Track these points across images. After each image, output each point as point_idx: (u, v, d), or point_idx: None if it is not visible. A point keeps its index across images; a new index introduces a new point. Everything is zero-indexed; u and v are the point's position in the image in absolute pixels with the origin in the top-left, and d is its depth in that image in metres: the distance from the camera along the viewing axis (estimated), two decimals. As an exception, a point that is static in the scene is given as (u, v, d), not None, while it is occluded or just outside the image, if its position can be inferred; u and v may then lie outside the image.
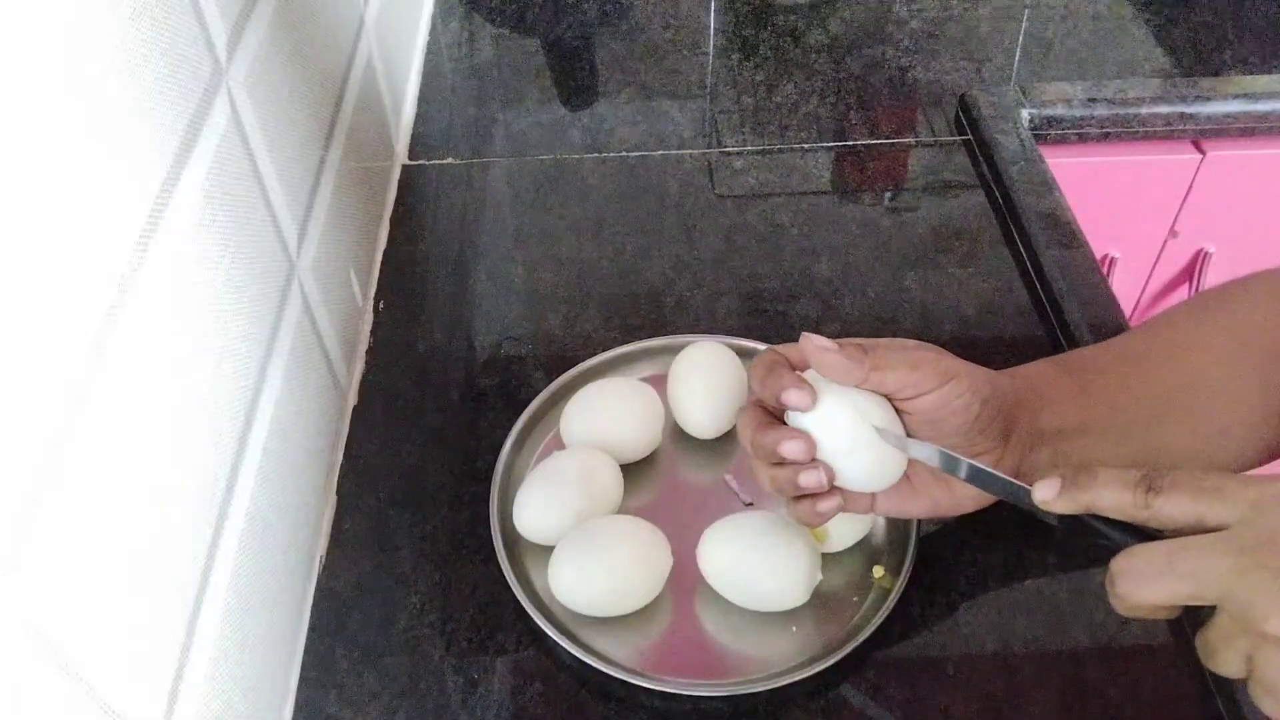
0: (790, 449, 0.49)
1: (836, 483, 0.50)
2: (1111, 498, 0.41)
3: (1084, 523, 0.43)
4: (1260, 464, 0.55)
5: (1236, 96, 0.94)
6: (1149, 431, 0.54)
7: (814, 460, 0.49)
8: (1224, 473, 0.40)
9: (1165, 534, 0.40)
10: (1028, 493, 0.44)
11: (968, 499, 0.53)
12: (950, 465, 0.49)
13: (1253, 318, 0.55)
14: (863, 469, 0.50)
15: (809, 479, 0.49)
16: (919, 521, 0.58)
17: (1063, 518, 0.44)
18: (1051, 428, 0.53)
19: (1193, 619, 0.40)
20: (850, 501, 0.52)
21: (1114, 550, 0.41)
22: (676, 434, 0.65)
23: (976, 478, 0.48)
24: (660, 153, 0.89)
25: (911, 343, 0.51)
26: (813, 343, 0.49)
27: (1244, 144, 0.97)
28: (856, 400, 0.49)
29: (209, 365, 0.46)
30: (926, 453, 0.49)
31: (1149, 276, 1.09)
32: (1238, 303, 0.57)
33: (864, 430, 0.49)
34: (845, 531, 0.58)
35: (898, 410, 0.50)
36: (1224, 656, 0.39)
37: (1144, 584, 0.39)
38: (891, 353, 0.50)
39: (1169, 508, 0.39)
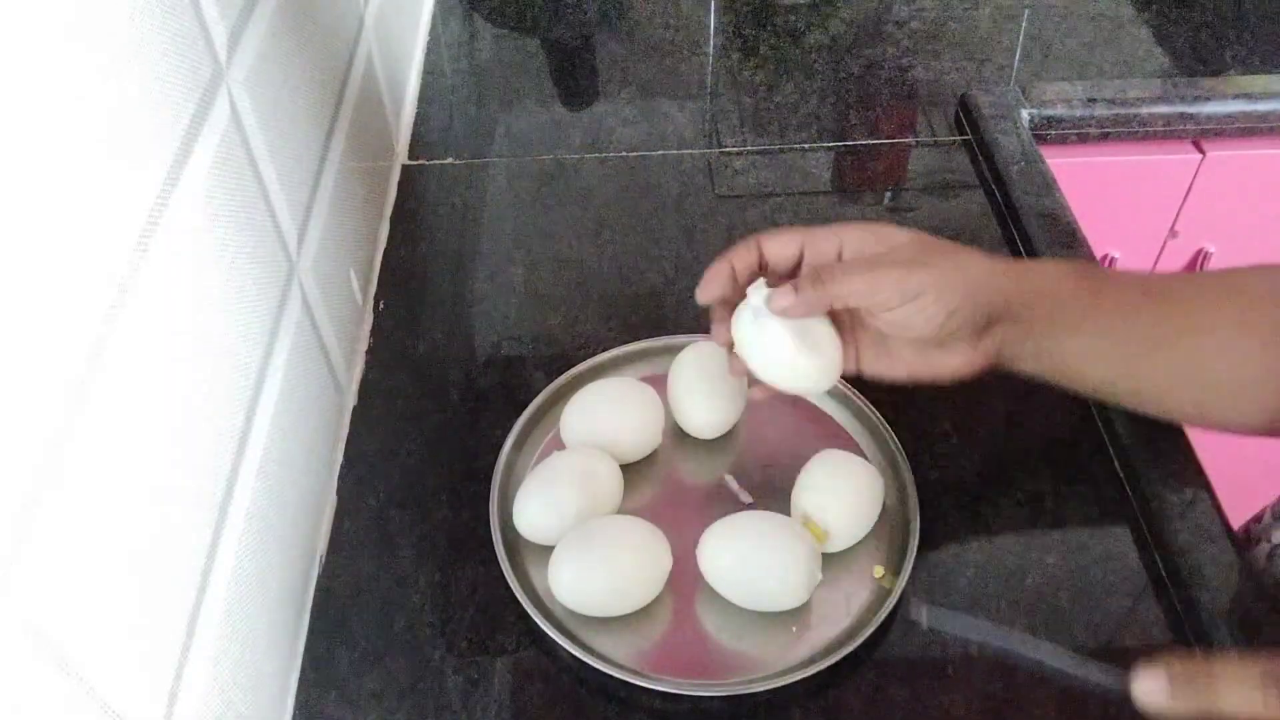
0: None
1: (779, 386, 0.54)
2: (1237, 699, 0.37)
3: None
4: (1263, 432, 0.55)
5: (1236, 96, 0.94)
6: (1147, 359, 0.54)
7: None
8: None
9: None
10: (1118, 681, 0.39)
11: (945, 371, 0.54)
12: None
13: (1261, 293, 0.55)
14: (795, 379, 0.54)
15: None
16: (920, 522, 0.58)
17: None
18: (1046, 321, 0.53)
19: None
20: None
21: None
22: (676, 434, 0.65)
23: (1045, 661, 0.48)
24: (660, 153, 0.89)
25: (873, 239, 0.53)
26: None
27: (1244, 144, 0.97)
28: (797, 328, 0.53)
29: (209, 365, 0.46)
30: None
31: (1149, 276, 1.09)
32: (1248, 280, 0.56)
33: (802, 353, 0.53)
34: (845, 532, 0.58)
35: (862, 318, 0.54)
36: None
37: None
38: (851, 276, 0.51)
39: None
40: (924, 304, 0.50)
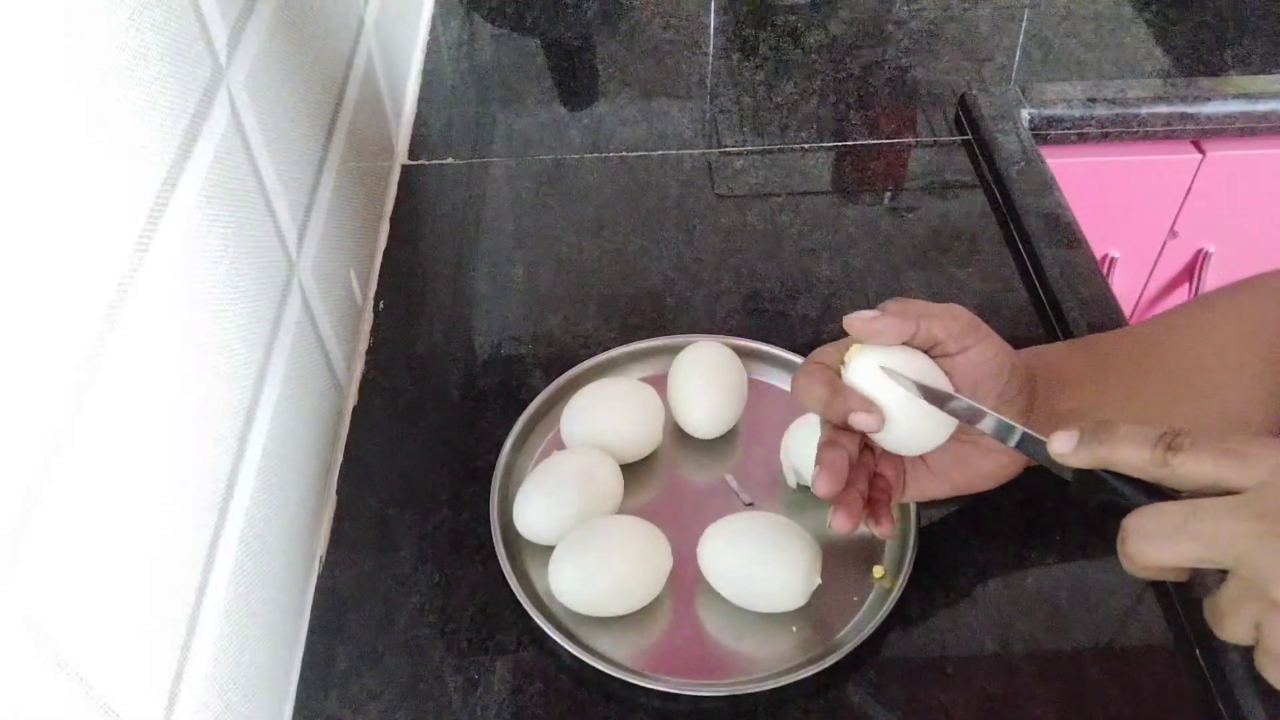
0: (862, 422, 0.50)
1: (884, 444, 0.52)
2: (1129, 454, 0.40)
3: (1100, 479, 0.42)
4: None
5: (1236, 96, 0.94)
6: (1166, 413, 0.54)
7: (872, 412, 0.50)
8: (1248, 435, 0.39)
9: (1183, 495, 0.39)
10: (1044, 445, 0.44)
11: (987, 479, 0.55)
12: (975, 418, 0.49)
13: (1262, 308, 0.56)
14: (909, 431, 0.51)
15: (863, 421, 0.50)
16: (919, 521, 0.58)
17: (1078, 474, 0.43)
18: (1067, 408, 0.53)
19: (1199, 588, 0.40)
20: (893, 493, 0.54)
21: (1128, 508, 0.40)
22: (676, 434, 0.65)
23: (997, 429, 0.48)
24: (660, 153, 0.89)
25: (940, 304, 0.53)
26: (859, 319, 0.50)
27: (1244, 144, 0.97)
28: (908, 364, 0.50)
29: (209, 365, 0.46)
30: (961, 407, 0.49)
31: (1149, 276, 1.09)
32: (1246, 296, 0.57)
33: (915, 398, 0.50)
34: None
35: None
36: (1231, 623, 0.38)
37: (1155, 543, 0.38)
38: (930, 305, 0.51)
39: (1188, 467, 0.39)
40: (993, 348, 0.51)
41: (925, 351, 0.51)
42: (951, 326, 0.50)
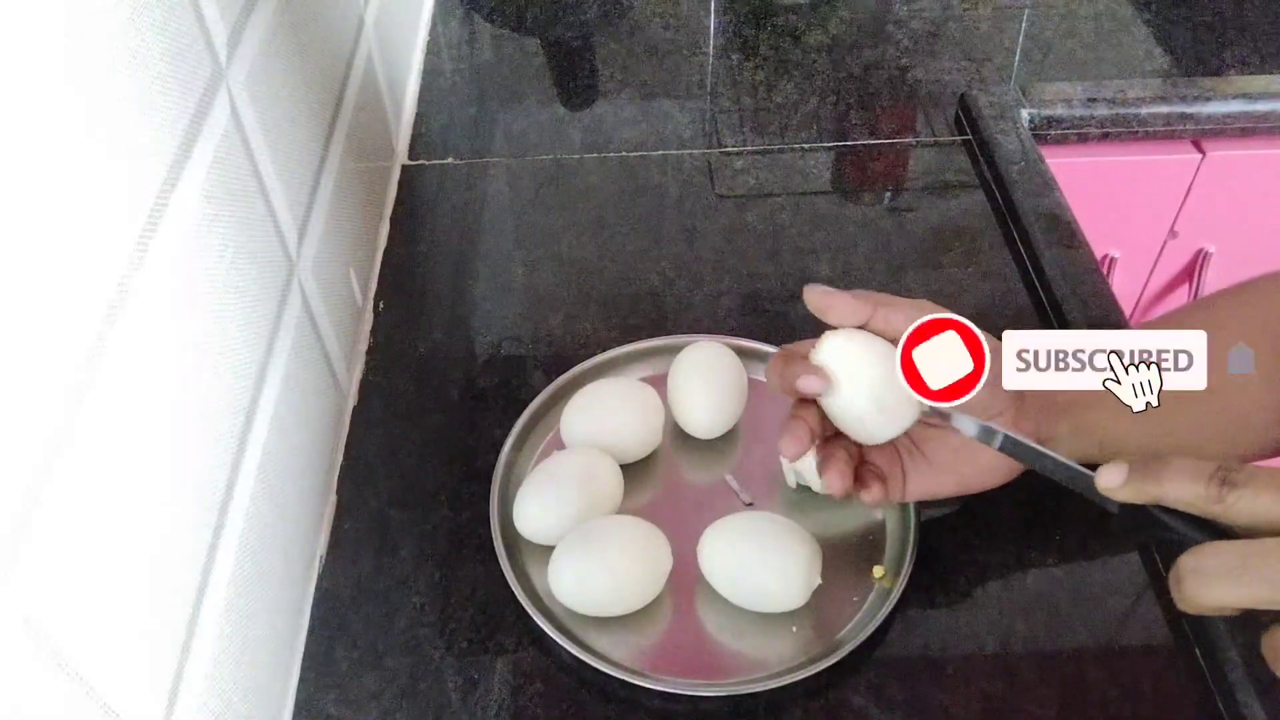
0: (806, 384, 0.50)
1: (841, 426, 0.51)
2: (1182, 490, 0.39)
3: (1147, 513, 0.41)
4: (1277, 454, 0.55)
5: (1236, 96, 0.94)
6: (1168, 410, 0.54)
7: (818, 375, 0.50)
8: None
9: (1234, 530, 0.38)
10: (1089, 479, 0.42)
11: (995, 473, 0.54)
12: (987, 438, 0.48)
13: (1265, 310, 0.56)
14: (864, 414, 0.50)
15: (807, 384, 0.50)
16: (919, 521, 0.58)
17: (1124, 505, 0.42)
18: (1066, 398, 0.52)
19: (1250, 620, 0.38)
20: (889, 488, 0.54)
21: (1176, 541, 0.39)
22: (676, 434, 0.65)
23: (1041, 464, 0.47)
24: (660, 153, 0.89)
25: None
26: (816, 290, 0.51)
27: (1244, 144, 0.97)
28: (873, 349, 0.50)
29: (209, 365, 0.46)
30: (973, 428, 0.48)
31: (1149, 276, 1.09)
32: (1249, 298, 0.57)
33: (879, 386, 0.50)
34: None
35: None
36: None
37: (1215, 584, 0.37)
38: (896, 298, 0.51)
39: (1244, 504, 0.37)
40: None
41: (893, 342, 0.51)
42: (914, 314, 0.50)
